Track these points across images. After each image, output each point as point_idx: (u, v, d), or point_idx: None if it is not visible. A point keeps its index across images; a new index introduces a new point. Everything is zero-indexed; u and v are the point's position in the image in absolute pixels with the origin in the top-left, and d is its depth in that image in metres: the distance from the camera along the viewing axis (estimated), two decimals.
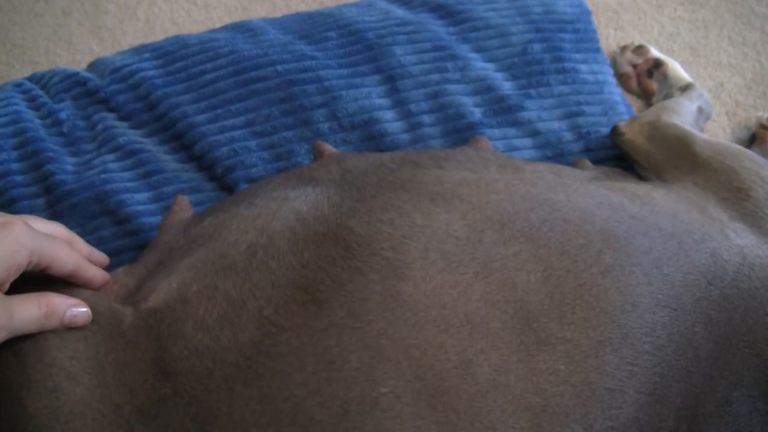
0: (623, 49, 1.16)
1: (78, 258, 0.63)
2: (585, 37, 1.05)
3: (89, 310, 0.60)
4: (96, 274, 0.65)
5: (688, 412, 0.61)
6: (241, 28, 1.03)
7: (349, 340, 0.56)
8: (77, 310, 0.60)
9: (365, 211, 0.64)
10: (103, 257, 0.71)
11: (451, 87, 0.96)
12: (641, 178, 0.85)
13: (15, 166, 0.89)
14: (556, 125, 0.96)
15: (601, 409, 0.57)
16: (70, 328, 0.59)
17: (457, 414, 0.54)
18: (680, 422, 0.61)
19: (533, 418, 0.55)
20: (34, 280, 0.62)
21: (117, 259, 0.80)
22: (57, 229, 0.66)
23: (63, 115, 0.94)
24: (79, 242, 0.69)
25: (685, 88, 1.05)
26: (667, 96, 1.07)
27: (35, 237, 0.59)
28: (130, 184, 0.87)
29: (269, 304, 0.59)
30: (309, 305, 0.58)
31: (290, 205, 0.68)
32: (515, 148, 0.94)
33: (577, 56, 1.02)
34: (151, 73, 0.97)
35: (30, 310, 0.57)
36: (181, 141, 0.92)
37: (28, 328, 0.57)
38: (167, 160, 0.91)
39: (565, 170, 0.80)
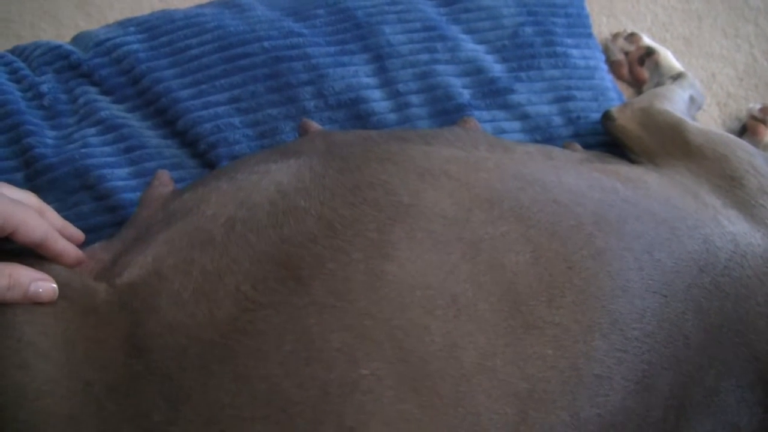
0: (615, 36, 1.15)
1: (48, 227, 0.61)
2: (577, 22, 1.04)
3: (56, 287, 0.59)
4: (67, 247, 0.64)
5: (676, 401, 0.60)
6: (228, 4, 1.01)
7: (330, 319, 0.55)
8: (42, 284, 0.58)
9: (350, 189, 0.63)
10: (77, 233, 0.69)
11: (440, 68, 0.94)
12: (633, 162, 0.84)
13: None
14: (545, 109, 0.95)
15: (588, 396, 0.55)
16: (39, 303, 0.57)
17: (441, 398, 0.53)
18: (668, 411, 0.60)
19: (519, 404, 0.54)
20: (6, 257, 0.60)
21: (96, 235, 0.78)
22: (28, 197, 0.65)
23: (44, 88, 0.92)
24: (52, 213, 0.67)
25: (677, 77, 1.04)
26: (659, 84, 1.06)
27: (1, 199, 0.57)
28: (110, 159, 0.85)
29: (247, 279, 0.58)
30: (288, 282, 0.57)
31: (271, 177, 0.67)
32: (504, 131, 0.93)
33: (569, 41, 1.01)
34: (135, 47, 0.95)
35: None
36: (164, 116, 0.90)
37: None
38: (149, 136, 0.89)
39: (556, 151, 0.79)
